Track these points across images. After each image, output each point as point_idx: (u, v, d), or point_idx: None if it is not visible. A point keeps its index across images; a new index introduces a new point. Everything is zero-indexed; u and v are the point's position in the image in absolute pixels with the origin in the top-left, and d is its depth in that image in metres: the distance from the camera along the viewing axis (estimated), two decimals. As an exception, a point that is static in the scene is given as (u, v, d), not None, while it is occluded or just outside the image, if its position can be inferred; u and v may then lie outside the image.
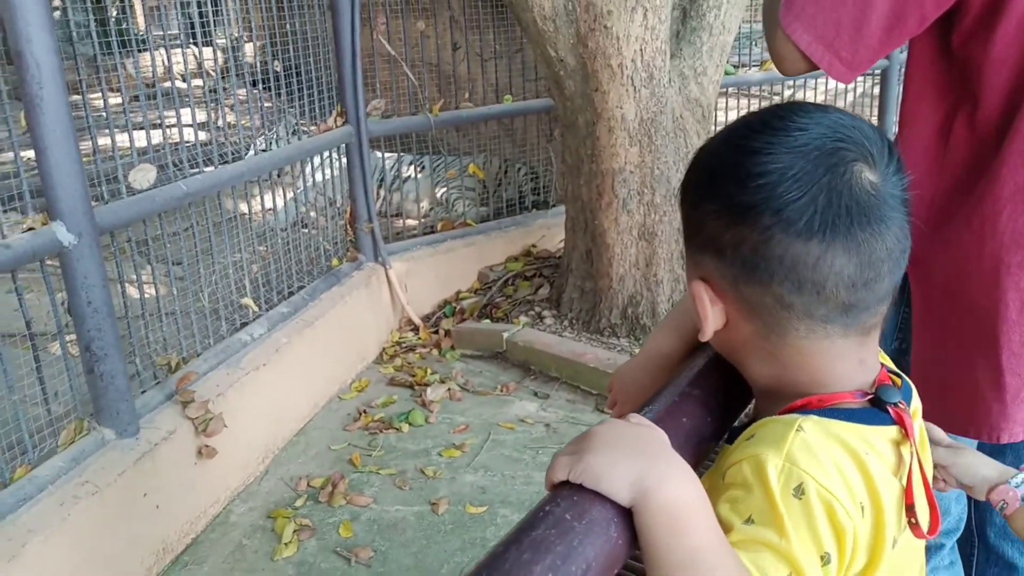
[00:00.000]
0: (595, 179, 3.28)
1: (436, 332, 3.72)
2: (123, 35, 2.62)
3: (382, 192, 4.31)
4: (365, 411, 3.15)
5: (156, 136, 2.65)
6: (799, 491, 0.66)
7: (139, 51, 2.74)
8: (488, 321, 3.69)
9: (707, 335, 0.78)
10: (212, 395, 2.60)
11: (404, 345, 3.67)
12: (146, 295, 2.71)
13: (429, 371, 3.42)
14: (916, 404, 0.82)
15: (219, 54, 3.24)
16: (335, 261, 3.55)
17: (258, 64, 3.50)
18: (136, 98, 2.91)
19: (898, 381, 0.80)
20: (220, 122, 3.09)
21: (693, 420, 0.73)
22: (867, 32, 1.00)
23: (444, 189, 4.34)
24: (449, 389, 3.26)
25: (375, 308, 3.64)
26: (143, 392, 2.52)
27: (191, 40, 2.87)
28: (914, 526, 0.75)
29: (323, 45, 3.44)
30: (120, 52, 2.50)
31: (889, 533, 0.72)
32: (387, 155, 4.37)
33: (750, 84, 4.66)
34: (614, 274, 3.34)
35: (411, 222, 4.25)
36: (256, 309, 3.01)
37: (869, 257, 0.72)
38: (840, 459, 0.70)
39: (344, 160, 3.63)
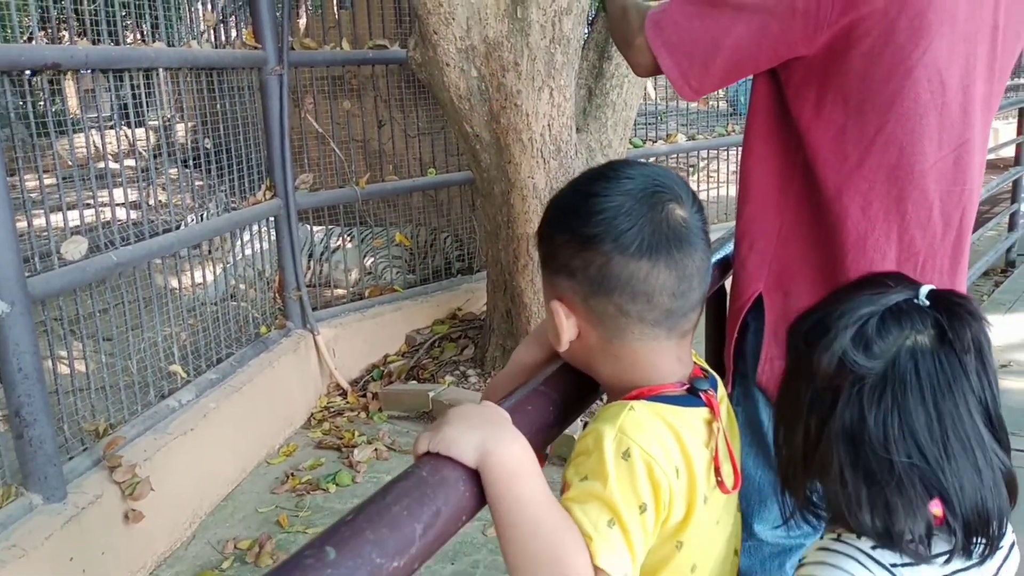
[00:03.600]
0: (512, 244, 3.50)
1: (364, 395, 3.83)
2: (57, 117, 2.76)
3: (311, 263, 4.45)
4: (293, 474, 3.23)
5: (89, 215, 2.77)
6: (626, 455, 0.84)
7: (73, 132, 2.87)
8: (415, 383, 3.82)
9: (564, 345, 0.97)
10: (139, 459, 2.66)
11: (332, 409, 3.77)
12: (77, 369, 2.78)
13: (356, 433, 3.52)
14: (722, 392, 1.02)
15: (151, 135, 3.39)
16: (263, 328, 3.67)
17: (189, 144, 3.66)
18: (69, 178, 3.03)
19: (706, 375, 0.99)
20: (152, 201, 3.22)
21: (537, 408, 0.91)
22: (712, 70, 1.24)
23: (372, 258, 4.51)
24: (376, 449, 3.36)
25: (303, 374, 3.74)
26: (71, 458, 2.57)
27: (124, 121, 3.01)
28: (720, 483, 0.94)
29: (253, 124, 3.62)
30: (54, 134, 2.64)
31: (700, 491, 0.90)
32: (316, 228, 4.54)
33: (657, 155, 5.00)
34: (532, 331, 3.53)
35: (340, 291, 4.39)
36: (184, 376, 3.10)
37: (684, 272, 0.92)
38: (661, 432, 0.89)
39: (273, 232, 3.78)
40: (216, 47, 3.39)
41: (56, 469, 2.41)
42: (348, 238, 4.53)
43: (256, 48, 3.53)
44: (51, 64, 2.37)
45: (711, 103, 6.21)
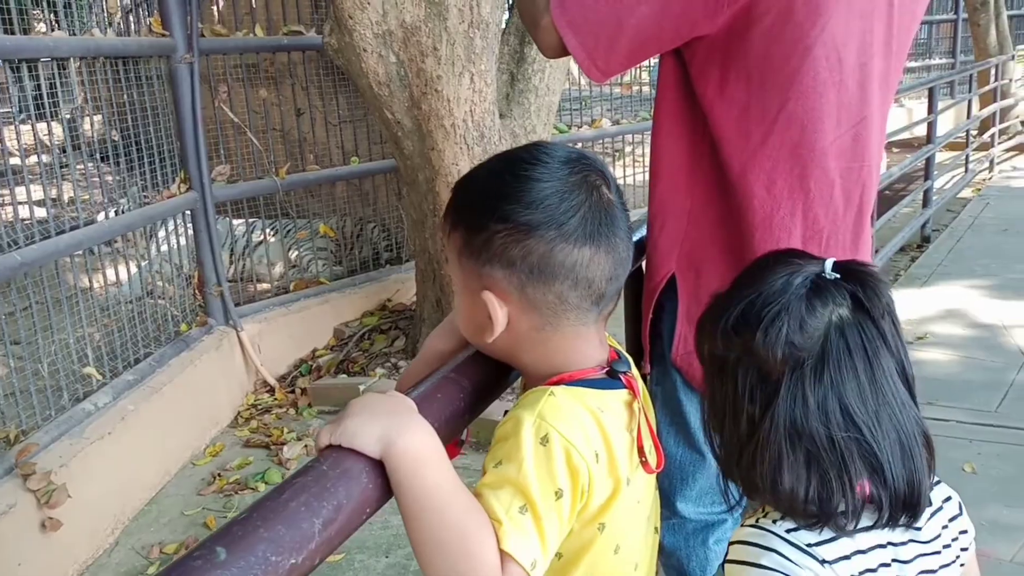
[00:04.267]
0: (439, 232, 3.46)
1: (292, 391, 3.76)
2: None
3: (233, 258, 4.33)
4: (220, 474, 3.15)
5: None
6: (544, 440, 0.83)
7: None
8: (345, 376, 3.76)
9: (496, 335, 0.92)
10: (55, 466, 2.55)
11: (260, 407, 3.68)
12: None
13: (286, 430, 3.44)
14: (635, 371, 1.01)
15: (57, 128, 3.24)
16: (183, 326, 3.55)
17: (95, 136, 3.51)
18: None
19: (619, 356, 0.99)
20: (61, 197, 3.08)
21: (447, 397, 0.89)
22: (618, 50, 1.23)
23: (297, 251, 4.42)
24: (306, 446, 3.30)
25: (227, 371, 3.64)
26: (-21, 469, 2.45)
27: (25, 115, 2.86)
28: (644, 464, 0.93)
29: (164, 114, 3.49)
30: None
31: (623, 473, 0.90)
32: (237, 221, 4.42)
33: (582, 140, 5.02)
34: (461, 321, 3.51)
35: (264, 286, 4.29)
36: (100, 378, 2.98)
37: (619, 255, 0.91)
38: (581, 417, 0.87)
39: (190, 225, 3.66)
40: (125, 35, 3.25)
41: (-38, 481, 2.30)
42: (271, 231, 4.42)
43: (164, 36, 3.40)
44: (-63, 54, 2.23)
45: (635, 88, 6.25)
